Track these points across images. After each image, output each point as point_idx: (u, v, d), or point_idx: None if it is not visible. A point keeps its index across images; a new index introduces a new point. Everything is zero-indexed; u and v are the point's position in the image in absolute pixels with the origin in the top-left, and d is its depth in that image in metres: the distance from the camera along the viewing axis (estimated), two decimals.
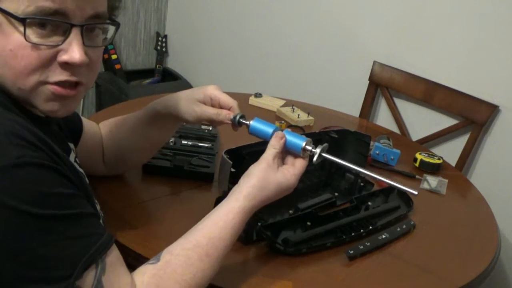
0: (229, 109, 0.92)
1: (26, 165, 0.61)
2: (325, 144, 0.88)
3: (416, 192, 0.82)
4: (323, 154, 0.87)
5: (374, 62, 1.97)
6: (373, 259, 1.02)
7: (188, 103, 0.93)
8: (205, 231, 0.78)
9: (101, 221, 0.83)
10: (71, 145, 0.88)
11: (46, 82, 0.67)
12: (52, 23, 0.64)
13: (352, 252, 0.99)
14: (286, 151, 0.88)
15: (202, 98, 0.93)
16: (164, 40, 2.85)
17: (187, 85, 2.74)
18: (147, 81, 2.82)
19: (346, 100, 2.08)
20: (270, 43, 2.39)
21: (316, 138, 1.21)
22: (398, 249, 1.07)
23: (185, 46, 2.86)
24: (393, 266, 1.02)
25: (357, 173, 1.24)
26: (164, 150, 1.19)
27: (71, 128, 0.93)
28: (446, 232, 1.17)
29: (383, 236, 1.06)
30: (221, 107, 0.93)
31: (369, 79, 1.99)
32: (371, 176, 0.87)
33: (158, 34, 2.86)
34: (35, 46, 0.64)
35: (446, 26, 1.80)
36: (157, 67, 2.85)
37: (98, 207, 0.84)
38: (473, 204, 1.35)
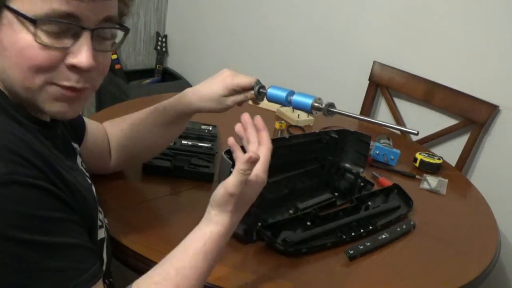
0: (252, 88, 0.96)
1: (13, 184, 0.58)
2: (331, 102, 0.90)
3: (416, 132, 0.84)
4: (332, 109, 0.89)
5: (374, 62, 1.97)
6: (373, 259, 1.02)
7: (216, 101, 0.97)
8: (174, 261, 0.73)
9: (103, 230, 0.81)
10: (76, 146, 0.87)
11: (53, 83, 0.66)
12: (63, 25, 0.63)
13: (352, 252, 0.99)
14: None
15: (227, 93, 0.96)
16: (164, 40, 2.85)
17: (187, 85, 2.72)
18: (147, 81, 2.82)
19: (346, 100, 2.07)
20: (270, 43, 2.39)
21: (316, 138, 1.22)
22: (398, 249, 1.07)
23: (185, 46, 2.86)
24: (393, 266, 1.02)
25: (357, 173, 1.24)
26: (164, 150, 1.19)
27: (74, 129, 0.92)
28: (446, 232, 1.17)
29: (383, 236, 1.07)
30: (243, 88, 0.97)
31: (369, 79, 1.99)
32: (377, 123, 0.90)
33: (158, 34, 2.86)
34: (44, 46, 0.63)
35: (446, 26, 1.80)
36: (157, 67, 2.85)
37: (101, 216, 0.82)
38: (473, 204, 1.35)
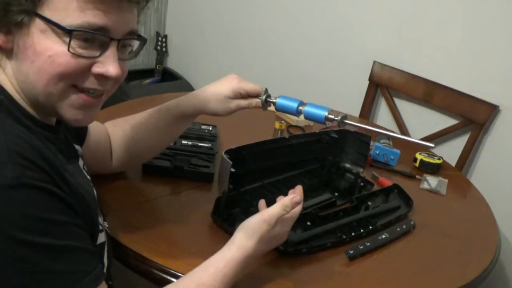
0: (257, 95, 1.00)
1: (20, 186, 0.59)
2: (345, 114, 0.92)
3: (432, 145, 0.89)
4: (346, 121, 0.91)
5: (374, 62, 1.97)
6: (373, 259, 1.02)
7: (221, 102, 0.99)
8: (195, 277, 0.78)
9: (103, 234, 0.82)
10: (78, 148, 0.88)
11: (75, 87, 0.68)
12: (94, 36, 0.66)
13: (352, 252, 1.00)
14: None
15: (233, 95, 0.99)
16: (164, 40, 2.86)
17: (187, 85, 2.74)
18: (147, 81, 2.82)
19: (346, 100, 2.07)
20: (270, 43, 2.39)
21: (316, 138, 1.22)
22: (398, 249, 1.07)
23: (185, 46, 2.86)
24: (393, 266, 1.02)
25: (357, 173, 1.24)
26: (164, 150, 1.19)
27: (76, 130, 0.93)
28: (446, 232, 1.17)
29: (383, 236, 1.06)
30: (249, 94, 1.00)
31: (369, 79, 1.99)
32: (393, 136, 0.94)
33: (158, 34, 2.86)
34: (74, 55, 0.65)
35: (446, 26, 1.80)
36: (157, 67, 2.85)
37: (101, 220, 0.83)
38: (473, 204, 1.35)
